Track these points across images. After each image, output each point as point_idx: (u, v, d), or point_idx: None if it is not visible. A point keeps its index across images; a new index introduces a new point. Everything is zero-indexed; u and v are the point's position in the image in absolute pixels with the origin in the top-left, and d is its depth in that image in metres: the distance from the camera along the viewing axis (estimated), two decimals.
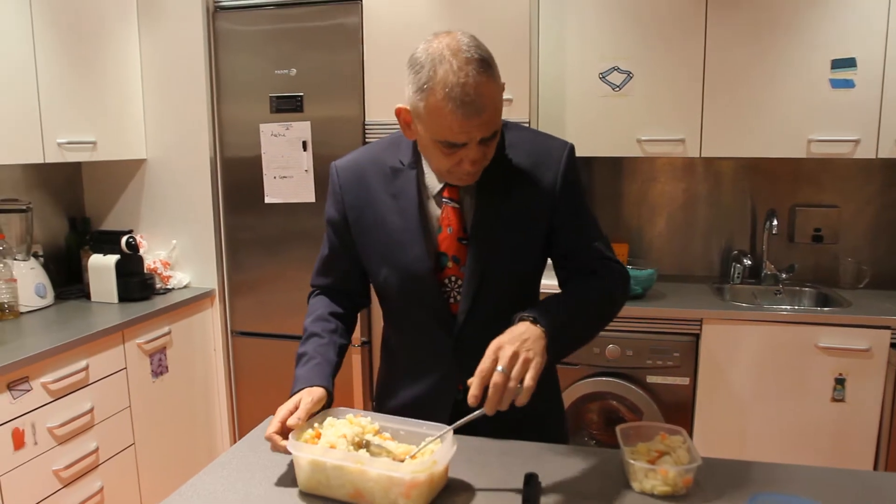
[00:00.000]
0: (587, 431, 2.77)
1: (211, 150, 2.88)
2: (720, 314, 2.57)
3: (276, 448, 1.23)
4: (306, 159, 2.74)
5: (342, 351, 1.46)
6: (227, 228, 2.93)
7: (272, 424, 1.25)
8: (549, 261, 1.45)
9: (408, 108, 1.22)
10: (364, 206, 1.38)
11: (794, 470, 1.28)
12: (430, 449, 1.21)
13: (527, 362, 1.13)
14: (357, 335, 2.80)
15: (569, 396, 2.69)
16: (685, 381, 2.64)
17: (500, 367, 1.12)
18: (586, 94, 2.77)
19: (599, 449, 1.40)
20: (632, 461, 1.21)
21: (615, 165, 3.18)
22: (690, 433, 2.65)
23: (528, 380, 1.13)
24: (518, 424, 1.34)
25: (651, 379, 2.66)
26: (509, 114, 2.57)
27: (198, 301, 2.86)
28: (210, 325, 2.95)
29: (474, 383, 1.13)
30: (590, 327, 1.35)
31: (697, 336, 2.61)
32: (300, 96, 2.72)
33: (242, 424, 3.02)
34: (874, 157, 2.58)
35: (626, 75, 2.72)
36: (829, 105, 2.58)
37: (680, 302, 2.71)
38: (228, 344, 2.99)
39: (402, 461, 1.18)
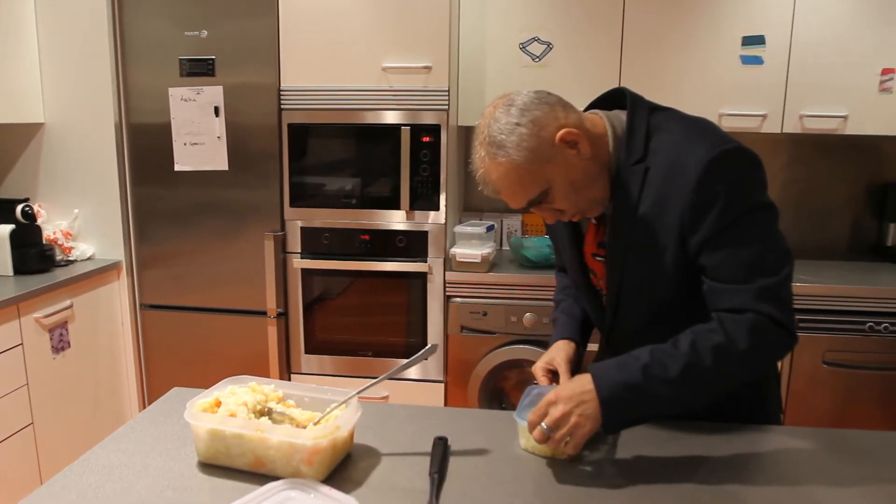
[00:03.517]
0: (504, 399, 2.80)
1: (116, 115, 2.72)
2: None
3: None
4: (219, 125, 2.63)
5: None
6: (134, 197, 2.79)
7: (538, 376, 1.41)
8: None
9: None
10: None
11: (685, 425, 1.32)
12: (335, 415, 1.19)
13: (574, 427, 1.11)
14: (273, 306, 2.73)
15: (486, 365, 2.71)
16: (596, 345, 2.70)
17: (543, 425, 1.12)
18: (506, 64, 2.76)
19: (511, 412, 1.41)
20: (517, 419, 1.22)
21: None
22: None
23: (571, 448, 1.13)
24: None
25: None
26: (428, 83, 2.54)
27: (103, 273, 2.72)
28: (117, 298, 2.82)
29: (529, 423, 1.15)
30: (682, 393, 1.13)
31: None
32: (212, 60, 2.59)
33: (153, 400, 2.90)
34: (780, 131, 2.69)
35: (546, 46, 2.72)
36: (739, 80, 2.66)
37: None
38: (137, 318, 2.86)
39: (306, 428, 1.16)
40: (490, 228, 2.78)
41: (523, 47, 2.74)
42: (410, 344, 2.76)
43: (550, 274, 2.70)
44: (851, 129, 2.64)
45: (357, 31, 2.55)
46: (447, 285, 2.70)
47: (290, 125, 2.63)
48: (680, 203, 1.17)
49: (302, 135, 2.64)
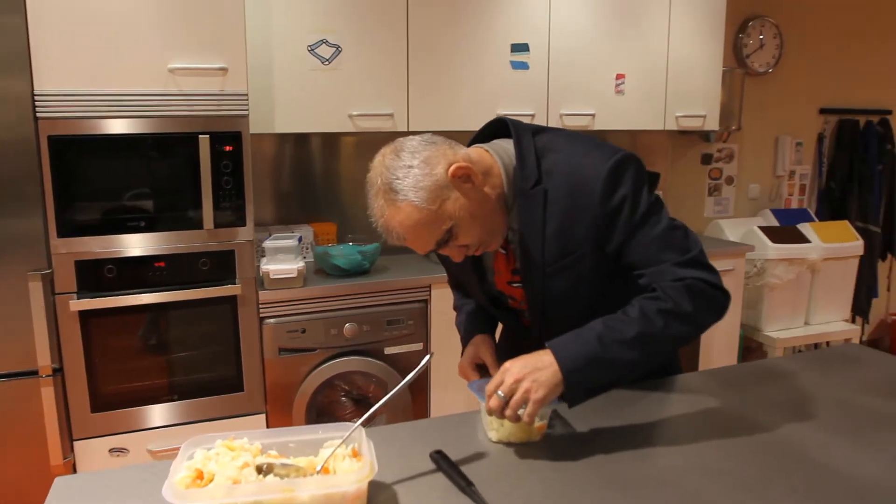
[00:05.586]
0: (333, 417, 2.69)
1: None
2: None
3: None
4: None
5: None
6: None
7: (467, 374, 1.44)
8: None
9: None
10: None
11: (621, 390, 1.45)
12: (341, 454, 1.05)
13: (527, 393, 1.14)
14: (45, 362, 2.22)
15: (311, 384, 2.58)
16: (419, 346, 2.76)
17: (499, 392, 1.15)
18: (295, 66, 2.63)
19: (463, 413, 1.39)
20: (483, 412, 1.23)
21: (327, 141, 3.12)
22: (427, 393, 2.79)
23: (525, 415, 1.14)
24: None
25: (389, 350, 2.71)
26: (225, 86, 2.31)
27: None
28: None
29: (486, 395, 1.18)
30: (639, 355, 1.19)
31: (426, 301, 2.74)
32: None
33: None
34: None
35: (335, 49, 2.66)
36: (510, 83, 2.93)
37: (406, 271, 2.80)
38: None
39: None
40: (300, 240, 2.63)
41: (312, 49, 2.64)
42: (223, 378, 2.48)
43: (364, 280, 2.67)
44: (598, 126, 3.10)
45: (134, 26, 2.19)
46: (260, 306, 2.49)
47: (51, 139, 2.15)
48: (589, 215, 1.24)
49: (68, 150, 2.18)
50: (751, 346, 3.71)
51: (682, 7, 3.19)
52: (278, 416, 2.59)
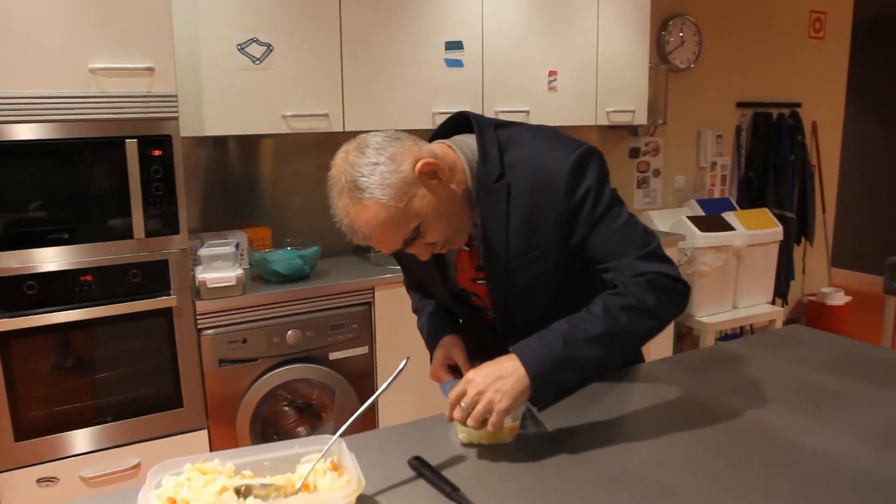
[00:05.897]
0: (279, 428, 2.60)
1: None
2: (391, 279, 2.69)
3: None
4: None
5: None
6: None
7: (441, 376, 1.40)
8: None
9: None
10: None
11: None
12: (321, 469, 1.00)
13: (490, 404, 1.11)
14: None
15: (254, 395, 2.48)
16: (365, 349, 2.70)
17: (462, 404, 1.12)
18: (225, 66, 2.52)
19: (433, 416, 1.35)
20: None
21: (255, 143, 3.00)
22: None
23: (490, 426, 1.11)
24: None
25: (334, 355, 2.64)
26: (152, 87, 2.18)
27: None
28: None
29: (448, 408, 1.14)
30: (605, 353, 1.18)
31: (370, 304, 2.68)
32: None
33: None
34: None
35: (266, 47, 2.56)
36: (445, 81, 2.91)
37: (347, 274, 2.74)
38: None
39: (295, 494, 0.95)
40: (237, 246, 2.52)
41: (242, 48, 2.53)
42: (160, 395, 2.35)
43: (305, 285, 2.59)
44: (533, 122, 3.12)
45: (48, 23, 2.03)
46: (198, 317, 2.37)
47: None
48: (554, 209, 1.23)
49: None
50: (682, 332, 3.84)
51: (609, 6, 3.26)
52: (221, 430, 2.48)
